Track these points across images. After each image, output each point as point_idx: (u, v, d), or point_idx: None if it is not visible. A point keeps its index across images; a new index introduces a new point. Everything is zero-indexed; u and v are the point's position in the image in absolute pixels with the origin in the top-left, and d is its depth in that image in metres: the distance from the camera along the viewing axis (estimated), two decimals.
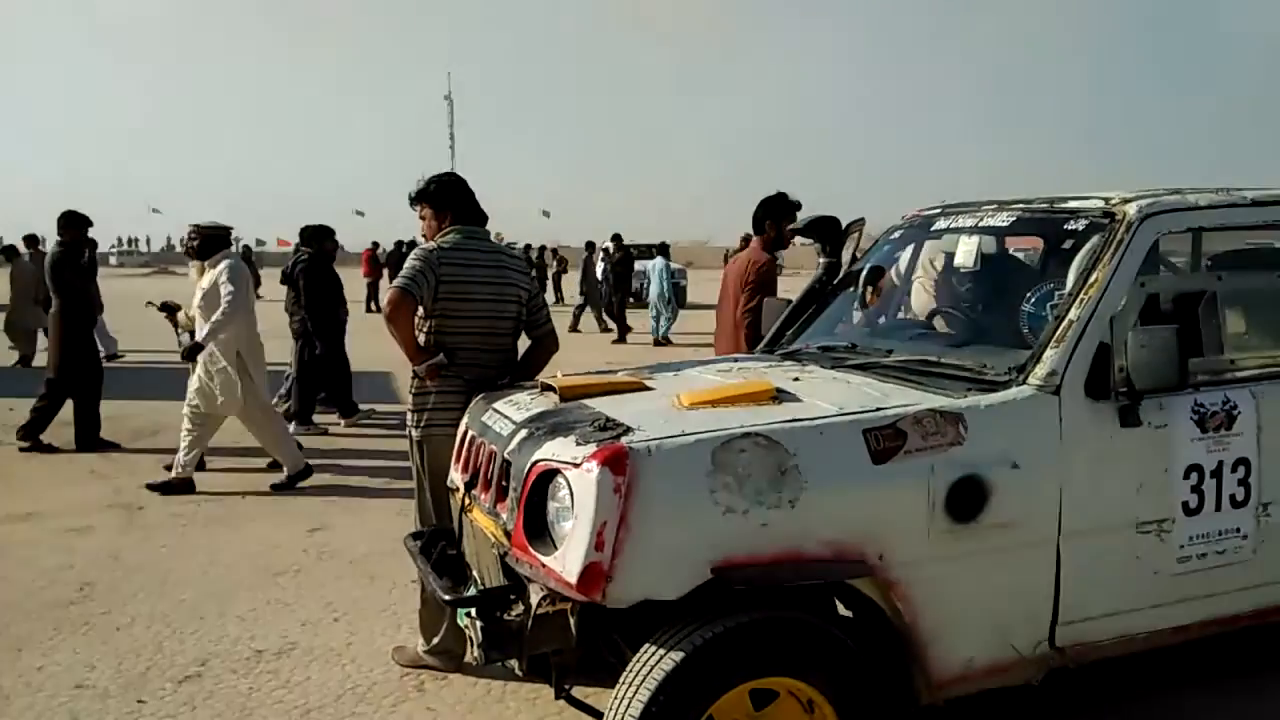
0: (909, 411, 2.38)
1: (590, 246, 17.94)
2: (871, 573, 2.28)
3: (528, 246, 26.24)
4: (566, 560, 2.15)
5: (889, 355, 2.96)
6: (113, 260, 58.05)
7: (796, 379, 2.82)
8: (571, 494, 2.17)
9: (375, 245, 23.32)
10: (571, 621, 2.34)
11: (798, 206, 4.55)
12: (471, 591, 2.54)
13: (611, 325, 15.82)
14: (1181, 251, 3.35)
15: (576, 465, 2.18)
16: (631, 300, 16.68)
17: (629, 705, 2.09)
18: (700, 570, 2.14)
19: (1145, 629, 2.66)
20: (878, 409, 2.40)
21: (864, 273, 3.57)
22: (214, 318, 5.51)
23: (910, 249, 3.58)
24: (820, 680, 2.24)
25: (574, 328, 15.90)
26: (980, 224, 3.16)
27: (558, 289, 23.95)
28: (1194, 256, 3.35)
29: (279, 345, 7.90)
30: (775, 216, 4.55)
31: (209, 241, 5.73)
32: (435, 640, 3.27)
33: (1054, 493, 2.46)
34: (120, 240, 76.29)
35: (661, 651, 2.13)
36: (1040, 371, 2.51)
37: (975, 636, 2.45)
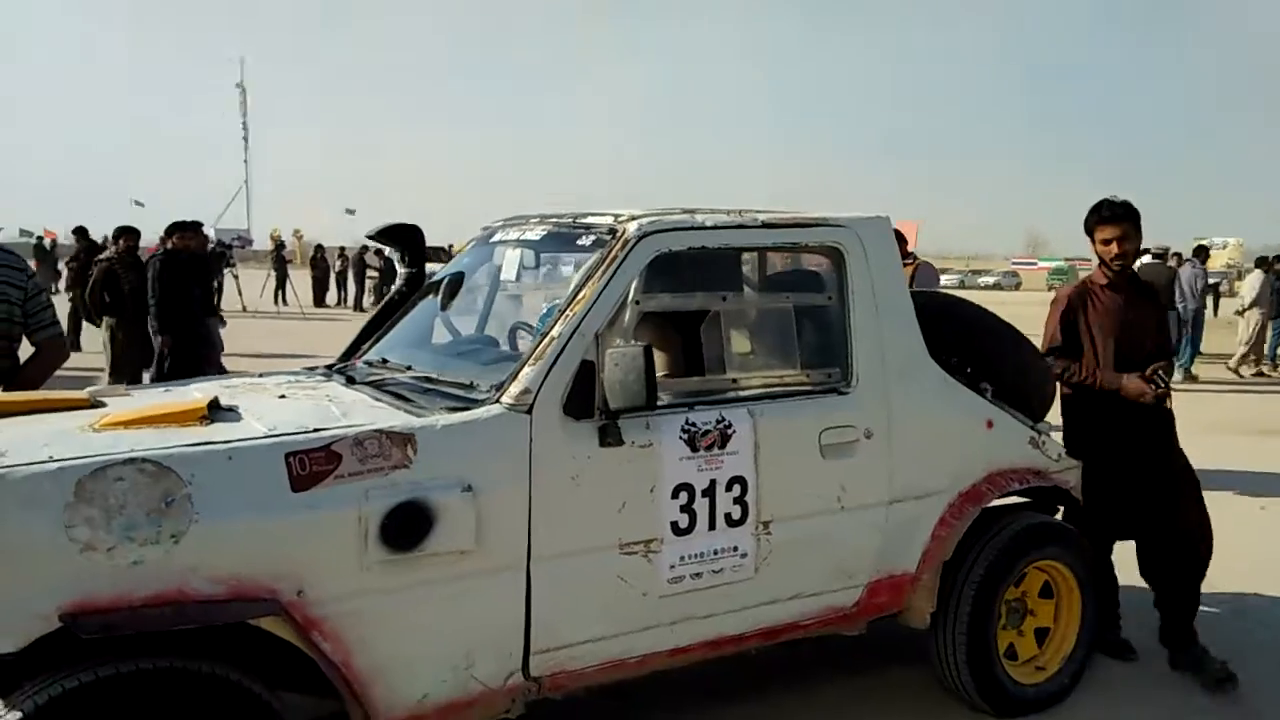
0: (351, 433, 2.21)
1: None
2: (286, 611, 2.07)
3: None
4: None
5: (406, 370, 2.80)
6: None
7: (283, 396, 2.60)
8: None
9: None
10: None
11: None
12: None
13: None
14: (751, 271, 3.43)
15: None
16: None
17: None
18: (47, 618, 1.86)
19: (637, 653, 2.61)
20: (316, 430, 2.21)
21: (444, 284, 3.41)
22: None
23: (488, 261, 3.45)
24: None
25: None
26: (522, 238, 3.07)
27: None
28: (759, 276, 3.42)
29: None
30: None
31: None
32: None
33: (520, 516, 2.36)
34: None
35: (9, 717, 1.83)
36: (514, 389, 2.41)
37: (429, 672, 2.30)
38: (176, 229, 7.26)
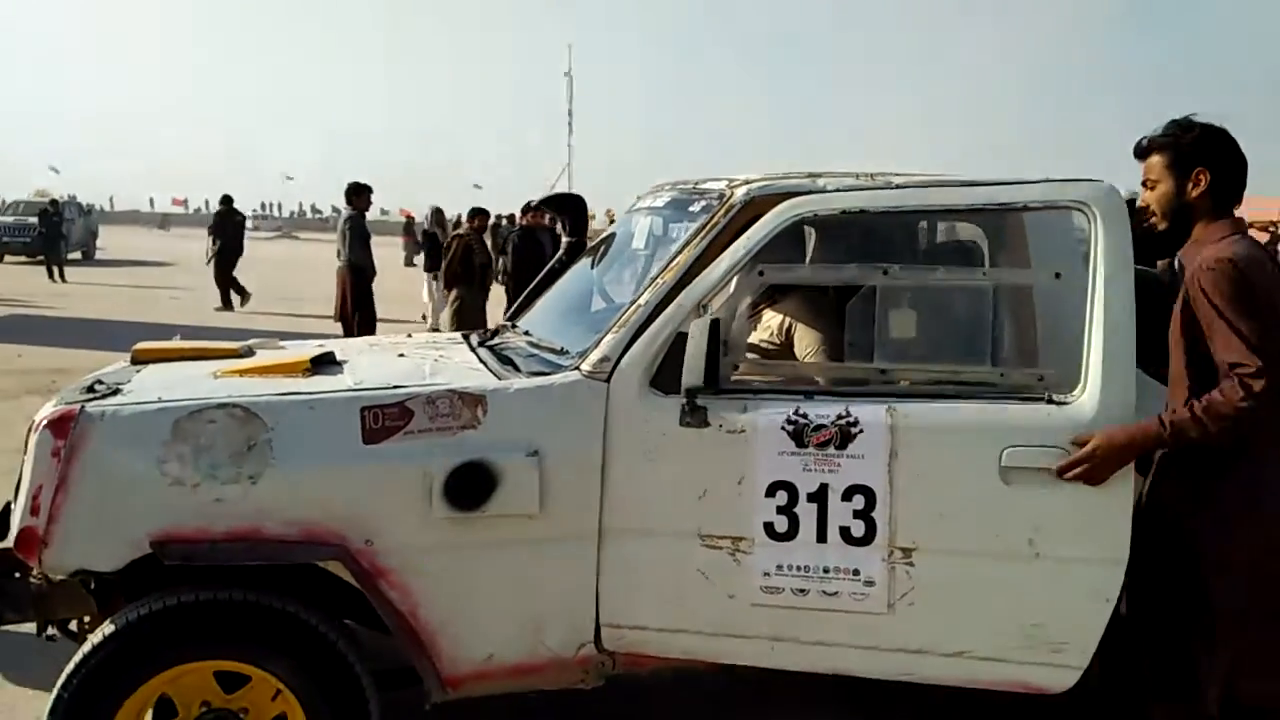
0: (424, 391, 2.27)
1: None
2: (353, 557, 2.18)
3: None
4: (12, 522, 2.15)
5: (525, 336, 2.84)
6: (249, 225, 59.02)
7: (401, 355, 2.75)
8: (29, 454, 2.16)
9: None
10: (87, 589, 2.32)
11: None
12: None
13: None
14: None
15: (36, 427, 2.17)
16: None
17: (61, 681, 2.07)
18: (140, 543, 2.10)
19: (728, 660, 2.42)
20: (394, 386, 2.29)
21: (597, 254, 3.42)
22: None
23: (638, 228, 3.41)
24: (280, 668, 2.17)
25: None
26: (652, 205, 2.99)
27: None
28: (929, 244, 3.07)
29: None
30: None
31: None
32: None
33: (592, 486, 2.28)
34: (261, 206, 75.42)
35: (106, 629, 2.11)
36: (594, 357, 2.33)
37: (495, 633, 2.31)
38: (530, 208, 8.04)
